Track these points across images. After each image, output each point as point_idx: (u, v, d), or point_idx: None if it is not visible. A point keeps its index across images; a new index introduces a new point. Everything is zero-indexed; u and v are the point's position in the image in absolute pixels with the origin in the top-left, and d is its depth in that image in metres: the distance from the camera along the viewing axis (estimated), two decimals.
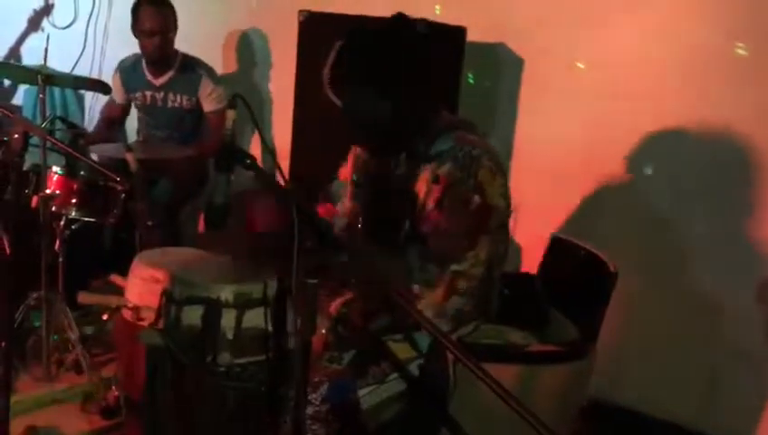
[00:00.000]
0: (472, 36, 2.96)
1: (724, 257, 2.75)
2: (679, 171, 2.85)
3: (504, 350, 2.05)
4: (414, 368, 1.87)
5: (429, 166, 1.89)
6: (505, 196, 1.90)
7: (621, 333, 2.80)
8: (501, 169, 1.89)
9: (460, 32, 2.93)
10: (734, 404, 2.75)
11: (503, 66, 3.25)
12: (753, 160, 2.67)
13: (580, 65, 3.03)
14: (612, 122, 2.92)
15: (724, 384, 2.78)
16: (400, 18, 1.92)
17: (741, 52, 2.67)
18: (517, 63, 3.20)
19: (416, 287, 1.82)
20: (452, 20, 2.99)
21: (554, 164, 3.07)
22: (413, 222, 1.93)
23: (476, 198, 1.83)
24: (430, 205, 1.87)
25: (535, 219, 3.09)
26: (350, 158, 2.22)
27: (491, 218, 1.85)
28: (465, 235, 1.82)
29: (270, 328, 1.82)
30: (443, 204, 1.85)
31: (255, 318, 1.84)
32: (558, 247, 2.53)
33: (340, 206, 2.25)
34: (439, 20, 3.00)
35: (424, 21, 2.05)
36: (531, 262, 3.05)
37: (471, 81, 3.26)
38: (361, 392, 1.82)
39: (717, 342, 2.79)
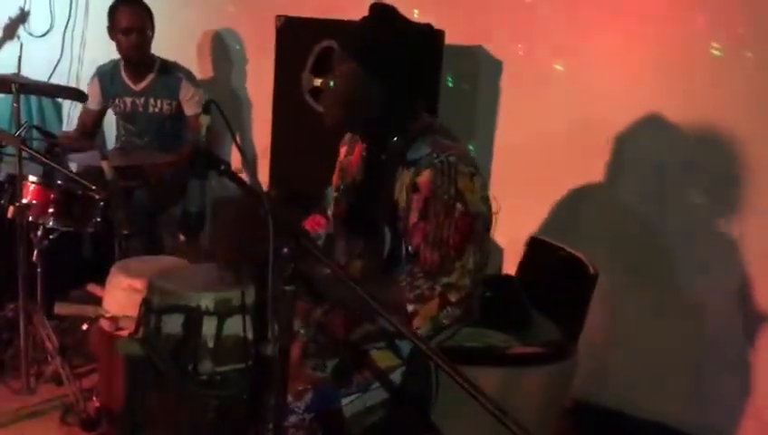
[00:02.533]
0: (451, 39, 2.96)
1: (706, 257, 2.76)
2: (661, 171, 2.86)
3: (485, 352, 2.05)
4: (397, 376, 1.86)
5: (407, 172, 1.87)
6: (486, 200, 1.88)
7: (605, 333, 2.81)
8: (479, 172, 1.87)
9: (439, 35, 2.93)
10: (717, 403, 2.76)
11: (482, 69, 3.25)
12: (734, 159, 2.68)
13: (559, 67, 3.04)
14: (592, 124, 2.93)
15: (707, 383, 2.79)
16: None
17: (716, 53, 2.69)
18: (496, 66, 3.20)
19: (410, 307, 1.81)
20: (431, 23, 2.99)
21: (534, 166, 3.08)
22: (398, 237, 1.90)
23: (459, 207, 1.80)
24: (414, 219, 1.85)
25: (516, 221, 3.10)
26: (337, 164, 2.20)
27: (475, 226, 1.84)
28: (453, 246, 1.80)
29: (249, 336, 1.80)
30: (427, 216, 1.82)
31: (236, 325, 1.82)
32: (538, 249, 2.52)
33: (330, 213, 2.23)
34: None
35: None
36: (512, 264, 3.06)
37: (450, 83, 3.26)
38: (345, 401, 1.81)
39: (700, 341, 2.80)
